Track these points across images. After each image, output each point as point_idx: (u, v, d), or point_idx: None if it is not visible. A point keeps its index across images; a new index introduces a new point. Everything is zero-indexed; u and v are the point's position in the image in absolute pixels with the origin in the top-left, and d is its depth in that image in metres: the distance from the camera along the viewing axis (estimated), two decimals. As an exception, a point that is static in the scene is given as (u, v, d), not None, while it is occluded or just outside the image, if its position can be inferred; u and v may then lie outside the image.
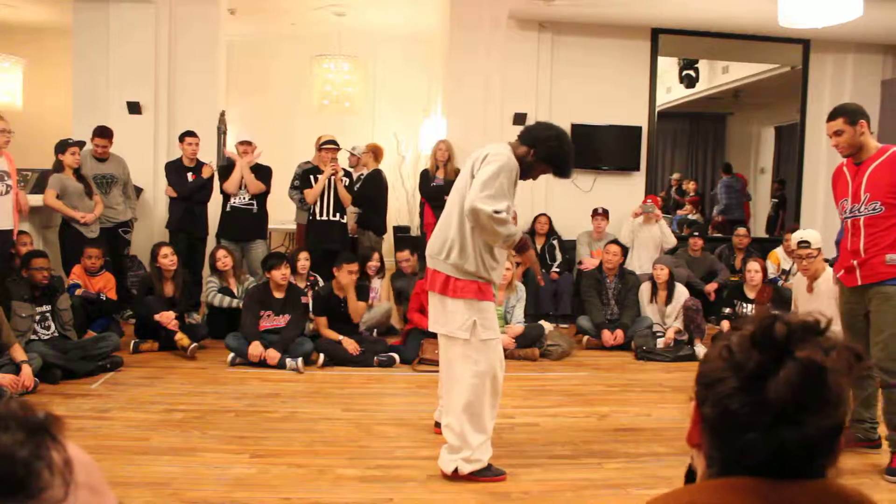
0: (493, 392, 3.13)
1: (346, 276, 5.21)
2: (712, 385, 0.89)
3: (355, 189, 6.56)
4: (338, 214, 6.07)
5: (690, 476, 1.00)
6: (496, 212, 2.91)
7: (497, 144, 3.14)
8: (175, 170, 6.19)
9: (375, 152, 7.03)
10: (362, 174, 6.92)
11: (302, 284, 5.61)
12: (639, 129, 7.37)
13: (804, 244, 4.31)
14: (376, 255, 5.91)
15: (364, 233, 6.65)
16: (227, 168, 6.26)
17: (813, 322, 0.88)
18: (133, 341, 5.25)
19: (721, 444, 0.90)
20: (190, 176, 6.17)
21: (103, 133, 6.01)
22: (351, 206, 6.37)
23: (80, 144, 5.82)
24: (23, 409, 0.64)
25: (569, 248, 6.98)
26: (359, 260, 5.49)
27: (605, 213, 6.86)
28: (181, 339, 5.12)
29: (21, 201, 5.30)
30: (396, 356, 5.13)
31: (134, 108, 6.75)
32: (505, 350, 3.39)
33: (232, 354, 4.99)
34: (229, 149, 7.46)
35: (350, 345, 5.05)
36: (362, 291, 5.45)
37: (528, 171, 3.14)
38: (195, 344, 5.13)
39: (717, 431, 0.90)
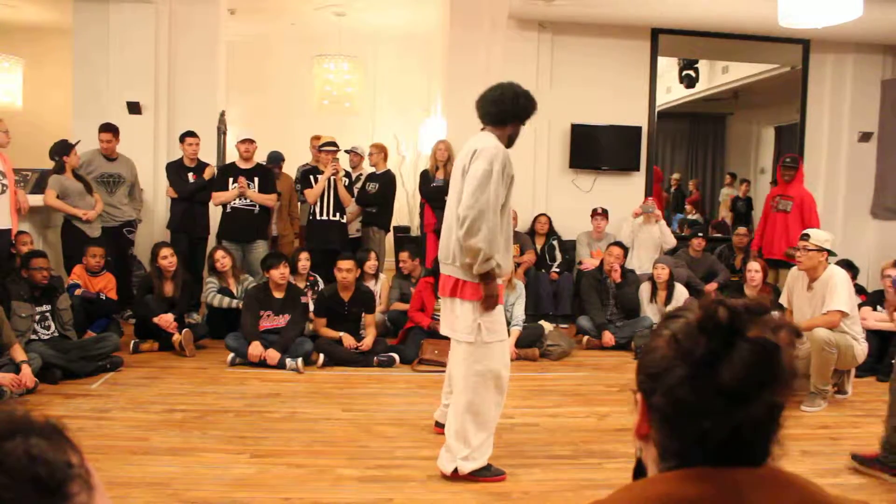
0: (497, 391, 3.14)
1: (344, 273, 5.22)
2: (660, 375, 0.89)
3: (366, 189, 6.57)
4: (338, 214, 6.07)
5: (639, 468, 1.00)
6: (495, 232, 2.97)
7: (480, 137, 3.14)
8: (176, 170, 6.20)
9: (385, 152, 7.01)
10: (361, 174, 6.91)
11: (302, 284, 5.61)
12: (639, 129, 7.37)
13: (804, 236, 4.33)
14: (373, 255, 5.90)
15: (370, 228, 6.64)
16: (226, 168, 6.26)
17: (756, 304, 0.89)
18: (133, 341, 5.26)
19: (674, 432, 0.90)
20: (191, 176, 6.18)
21: (109, 127, 6.02)
22: (366, 207, 6.45)
23: (77, 143, 5.83)
24: (44, 416, 0.66)
25: (569, 248, 6.98)
26: (356, 261, 5.47)
27: (605, 213, 6.86)
28: (177, 338, 5.13)
29: (20, 200, 5.30)
30: (396, 356, 5.13)
31: (134, 108, 6.75)
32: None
33: (232, 354, 4.99)
34: (230, 148, 7.47)
35: (349, 340, 5.06)
36: (367, 297, 5.45)
37: (515, 139, 3.23)
38: (185, 330, 5.14)
39: (669, 421, 0.90)
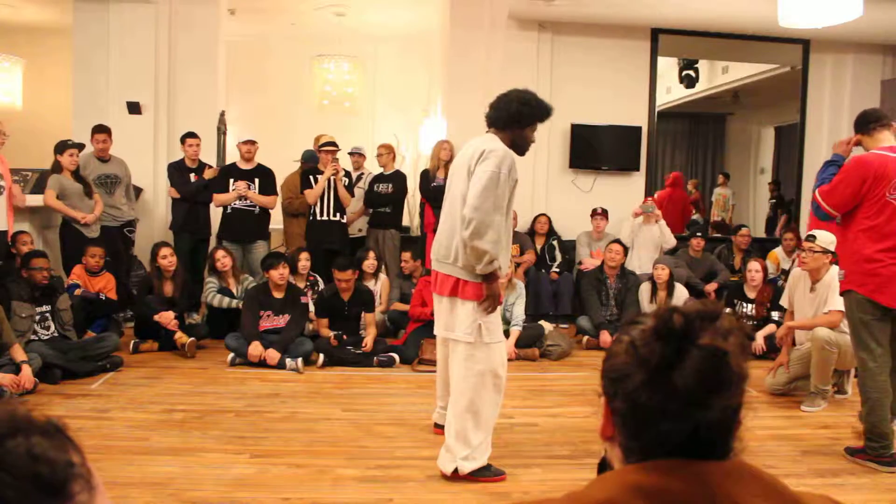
0: (496, 390, 3.14)
1: (343, 284, 5.25)
2: (620, 380, 0.93)
3: (375, 189, 6.54)
4: (338, 214, 6.07)
5: (604, 468, 1.03)
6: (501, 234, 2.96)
7: (487, 138, 3.13)
8: (177, 171, 6.20)
9: (394, 153, 6.98)
10: (363, 174, 6.91)
11: (302, 284, 5.61)
12: (639, 129, 7.36)
13: (810, 237, 4.34)
14: (372, 255, 5.90)
15: (386, 231, 6.60)
16: (227, 169, 6.26)
17: (709, 309, 0.92)
18: (133, 341, 5.26)
19: (636, 434, 0.94)
20: (192, 177, 6.18)
21: (102, 128, 6.01)
22: (379, 207, 6.47)
23: (80, 147, 5.81)
24: (45, 416, 0.66)
25: (568, 248, 6.98)
26: (354, 263, 5.47)
27: (605, 213, 6.86)
28: (180, 338, 5.13)
29: (16, 195, 5.29)
30: (396, 356, 5.13)
31: (134, 108, 6.74)
32: (507, 359, 3.37)
33: (232, 354, 4.99)
34: (230, 148, 7.47)
35: (327, 332, 5.16)
36: (367, 296, 5.46)
37: (524, 145, 3.19)
38: (192, 339, 5.14)
39: (630, 423, 0.94)
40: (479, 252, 2.97)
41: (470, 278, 3.07)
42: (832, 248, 4.29)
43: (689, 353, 0.88)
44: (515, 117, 3.11)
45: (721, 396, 0.89)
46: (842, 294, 3.54)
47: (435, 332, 3.35)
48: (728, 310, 5.62)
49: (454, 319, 3.13)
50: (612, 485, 0.91)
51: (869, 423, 3.38)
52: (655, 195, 7.53)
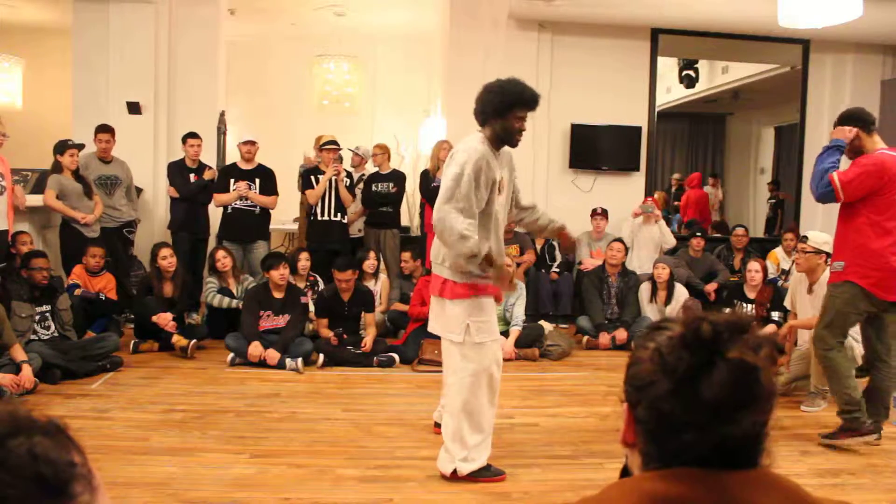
0: (490, 390, 3.12)
1: (343, 284, 5.25)
2: (644, 388, 0.90)
3: (374, 188, 6.53)
4: (339, 214, 6.08)
5: (626, 475, 1.02)
6: (466, 229, 2.88)
7: (469, 138, 3.10)
8: (178, 170, 6.20)
9: (389, 153, 6.99)
10: (364, 174, 6.91)
11: (302, 284, 5.61)
12: (639, 129, 7.36)
13: (803, 238, 4.37)
14: (372, 255, 5.90)
15: (387, 231, 6.60)
16: (228, 169, 6.26)
17: (739, 321, 0.89)
18: (133, 341, 5.26)
19: (658, 442, 0.91)
20: (192, 177, 6.18)
21: (106, 128, 6.02)
22: (380, 207, 6.44)
23: (80, 147, 5.81)
24: (46, 416, 0.66)
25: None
26: (354, 264, 5.47)
27: (605, 213, 6.86)
28: (178, 340, 5.13)
29: (17, 195, 5.29)
30: (396, 356, 5.13)
31: (134, 108, 6.74)
32: (507, 359, 3.34)
33: (232, 354, 4.99)
34: (230, 148, 7.46)
35: (326, 332, 5.15)
36: (366, 296, 5.46)
37: (510, 135, 3.07)
38: (193, 341, 5.13)
39: (652, 432, 0.91)
40: (460, 253, 2.91)
41: (455, 278, 3.05)
42: (826, 249, 4.29)
43: (717, 364, 0.85)
44: (484, 108, 3.06)
45: (750, 411, 0.86)
46: (834, 284, 3.58)
47: (429, 330, 3.34)
48: (727, 310, 5.67)
49: (445, 318, 3.12)
50: (628, 491, 0.89)
51: (844, 395, 3.52)
52: (655, 195, 7.53)
